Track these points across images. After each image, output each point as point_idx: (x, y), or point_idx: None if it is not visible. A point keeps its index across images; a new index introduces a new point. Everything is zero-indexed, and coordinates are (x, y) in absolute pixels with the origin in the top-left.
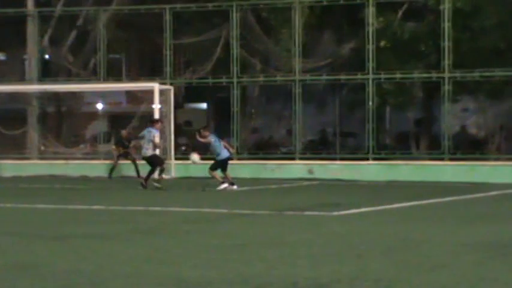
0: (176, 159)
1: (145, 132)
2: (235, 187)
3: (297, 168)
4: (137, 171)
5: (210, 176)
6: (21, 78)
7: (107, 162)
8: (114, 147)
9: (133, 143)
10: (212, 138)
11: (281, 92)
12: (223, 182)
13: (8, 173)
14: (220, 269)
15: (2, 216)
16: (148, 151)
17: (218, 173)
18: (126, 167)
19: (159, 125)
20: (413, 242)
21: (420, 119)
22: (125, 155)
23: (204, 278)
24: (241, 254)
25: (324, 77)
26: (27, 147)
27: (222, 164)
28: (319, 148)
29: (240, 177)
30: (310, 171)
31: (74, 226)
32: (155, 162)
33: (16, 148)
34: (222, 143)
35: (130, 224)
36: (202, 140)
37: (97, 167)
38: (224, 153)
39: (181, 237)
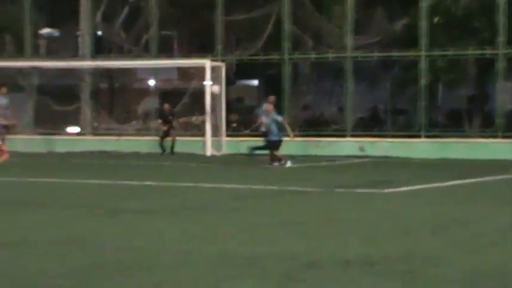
0: (227, 136)
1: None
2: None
3: (348, 146)
4: (172, 148)
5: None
6: (75, 55)
7: (157, 138)
8: (160, 121)
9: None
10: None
11: (332, 69)
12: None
13: (61, 149)
14: (268, 245)
15: (54, 191)
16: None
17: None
18: (181, 143)
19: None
20: (462, 221)
21: (473, 96)
22: (167, 131)
23: (253, 254)
24: (290, 231)
25: (376, 54)
26: (80, 123)
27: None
28: (370, 125)
29: (291, 154)
30: (361, 149)
31: (124, 202)
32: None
33: (69, 124)
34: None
35: (179, 200)
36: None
37: (148, 143)
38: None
39: (229, 214)
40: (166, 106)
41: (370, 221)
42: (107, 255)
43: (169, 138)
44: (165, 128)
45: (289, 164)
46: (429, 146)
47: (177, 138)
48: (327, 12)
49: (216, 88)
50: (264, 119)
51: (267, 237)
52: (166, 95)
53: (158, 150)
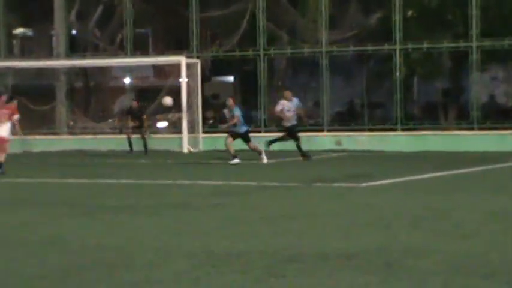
0: (204, 132)
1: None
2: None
3: (325, 140)
4: (145, 147)
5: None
6: (49, 54)
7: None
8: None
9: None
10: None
11: (308, 64)
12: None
13: (37, 148)
14: (249, 241)
15: (31, 190)
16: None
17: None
18: (157, 141)
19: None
20: (442, 211)
21: (448, 89)
22: (136, 129)
23: (234, 250)
24: (271, 226)
25: (351, 48)
26: (55, 123)
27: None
28: (347, 119)
29: (268, 150)
30: (338, 143)
31: (103, 200)
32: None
33: (45, 123)
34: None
35: (159, 197)
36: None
37: (125, 142)
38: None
39: (209, 211)
40: (134, 103)
41: (349, 215)
42: (87, 254)
43: (137, 136)
44: (134, 124)
45: (236, 161)
46: (406, 139)
47: (146, 136)
48: (301, 8)
49: (168, 100)
50: (237, 113)
51: (247, 232)
52: (142, 92)
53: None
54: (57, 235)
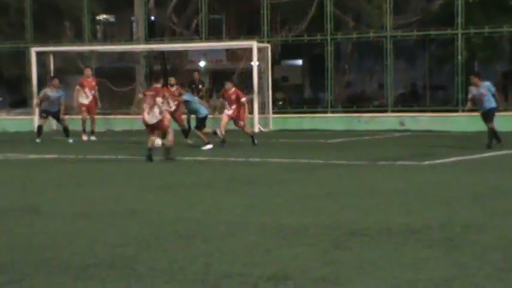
0: (274, 113)
1: None
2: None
3: (388, 121)
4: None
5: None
6: (129, 39)
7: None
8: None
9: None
10: (187, 97)
11: (373, 48)
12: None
13: (118, 127)
14: (316, 215)
15: (116, 167)
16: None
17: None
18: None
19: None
20: (502, 190)
21: (508, 72)
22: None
23: (301, 224)
24: (336, 202)
25: (415, 32)
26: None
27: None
28: (410, 101)
29: (334, 130)
30: (402, 123)
31: (180, 176)
32: None
33: (125, 104)
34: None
35: (232, 174)
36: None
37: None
38: (203, 110)
39: (279, 187)
40: (196, 74)
41: (412, 192)
42: (164, 226)
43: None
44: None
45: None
46: (467, 119)
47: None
48: None
49: (158, 141)
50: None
51: (314, 207)
52: (216, 75)
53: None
54: (137, 208)
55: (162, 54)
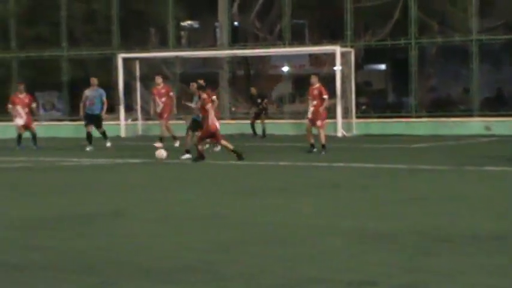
0: (357, 117)
1: None
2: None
3: (474, 125)
4: (263, 132)
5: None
6: (213, 44)
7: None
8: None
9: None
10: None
11: (458, 52)
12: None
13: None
14: (401, 221)
15: (198, 171)
16: None
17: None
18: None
19: None
20: None
21: None
22: (257, 114)
23: (386, 229)
24: (421, 207)
25: (501, 36)
26: (219, 108)
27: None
28: (496, 105)
29: (418, 134)
30: (488, 128)
31: (263, 180)
32: None
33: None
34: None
35: (314, 179)
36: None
37: (283, 126)
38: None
39: (361, 191)
40: (253, 90)
41: (500, 198)
42: (247, 230)
43: (258, 121)
44: (255, 110)
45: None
46: None
47: (265, 121)
48: None
49: (163, 153)
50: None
51: (398, 212)
52: (298, 80)
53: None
54: (220, 212)
55: (245, 59)
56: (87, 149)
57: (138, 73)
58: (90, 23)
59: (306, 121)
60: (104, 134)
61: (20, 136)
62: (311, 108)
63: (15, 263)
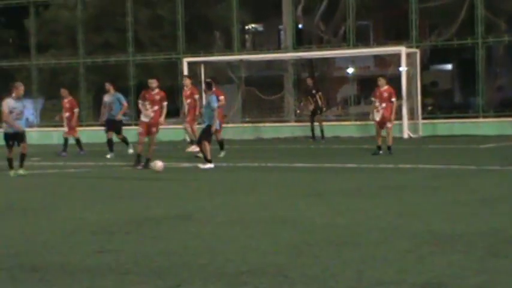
0: (423, 118)
1: None
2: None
3: None
4: (322, 133)
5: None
6: (277, 47)
7: (358, 123)
8: (305, 101)
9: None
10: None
11: None
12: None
13: (267, 135)
14: (470, 222)
15: (266, 174)
16: None
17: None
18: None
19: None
20: None
21: None
22: (314, 111)
23: (454, 231)
24: (491, 208)
25: None
26: (284, 111)
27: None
28: None
29: (486, 135)
30: None
31: (330, 183)
32: None
33: (274, 112)
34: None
35: (381, 180)
36: None
37: (348, 128)
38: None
39: (430, 192)
40: (309, 80)
41: None
42: (315, 233)
43: (316, 124)
44: (311, 107)
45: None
46: None
47: (323, 123)
48: None
49: (159, 165)
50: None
51: (468, 214)
52: (363, 81)
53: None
54: (288, 215)
55: (309, 61)
56: (108, 156)
57: (203, 77)
58: (155, 28)
59: (373, 123)
60: (124, 140)
61: (77, 141)
62: (380, 111)
63: (88, 266)
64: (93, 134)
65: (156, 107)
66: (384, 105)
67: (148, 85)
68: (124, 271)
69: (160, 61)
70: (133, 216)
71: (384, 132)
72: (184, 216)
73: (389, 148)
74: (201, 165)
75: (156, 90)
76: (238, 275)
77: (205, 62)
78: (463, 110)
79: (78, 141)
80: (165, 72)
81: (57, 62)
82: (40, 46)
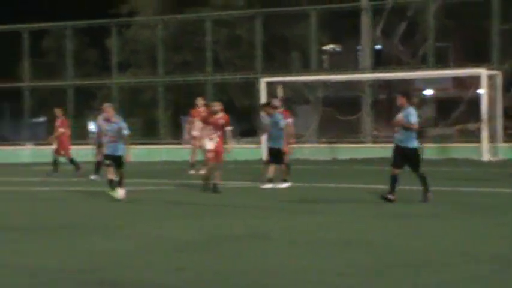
0: (503, 141)
1: None
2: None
3: None
4: None
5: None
6: (355, 68)
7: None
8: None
9: None
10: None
11: None
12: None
13: (343, 156)
14: None
15: (340, 194)
16: None
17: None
18: (457, 149)
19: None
20: None
21: None
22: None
23: None
24: None
25: None
26: (361, 132)
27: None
28: None
29: None
30: None
31: (406, 205)
32: None
33: (351, 132)
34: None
35: (459, 204)
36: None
37: (426, 150)
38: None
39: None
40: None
41: None
42: (392, 255)
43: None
44: None
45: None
46: None
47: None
48: None
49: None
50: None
51: None
52: (441, 103)
53: None
54: (365, 237)
55: (387, 83)
56: (91, 177)
57: (281, 96)
58: (233, 48)
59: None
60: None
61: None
62: None
63: (157, 282)
64: (174, 151)
65: (219, 132)
66: None
67: (211, 108)
68: None
69: (237, 81)
70: (211, 234)
71: None
72: (260, 235)
73: None
74: (262, 185)
75: (220, 114)
76: None
77: (282, 82)
78: None
79: (71, 160)
80: (242, 92)
81: (137, 81)
82: (121, 65)
